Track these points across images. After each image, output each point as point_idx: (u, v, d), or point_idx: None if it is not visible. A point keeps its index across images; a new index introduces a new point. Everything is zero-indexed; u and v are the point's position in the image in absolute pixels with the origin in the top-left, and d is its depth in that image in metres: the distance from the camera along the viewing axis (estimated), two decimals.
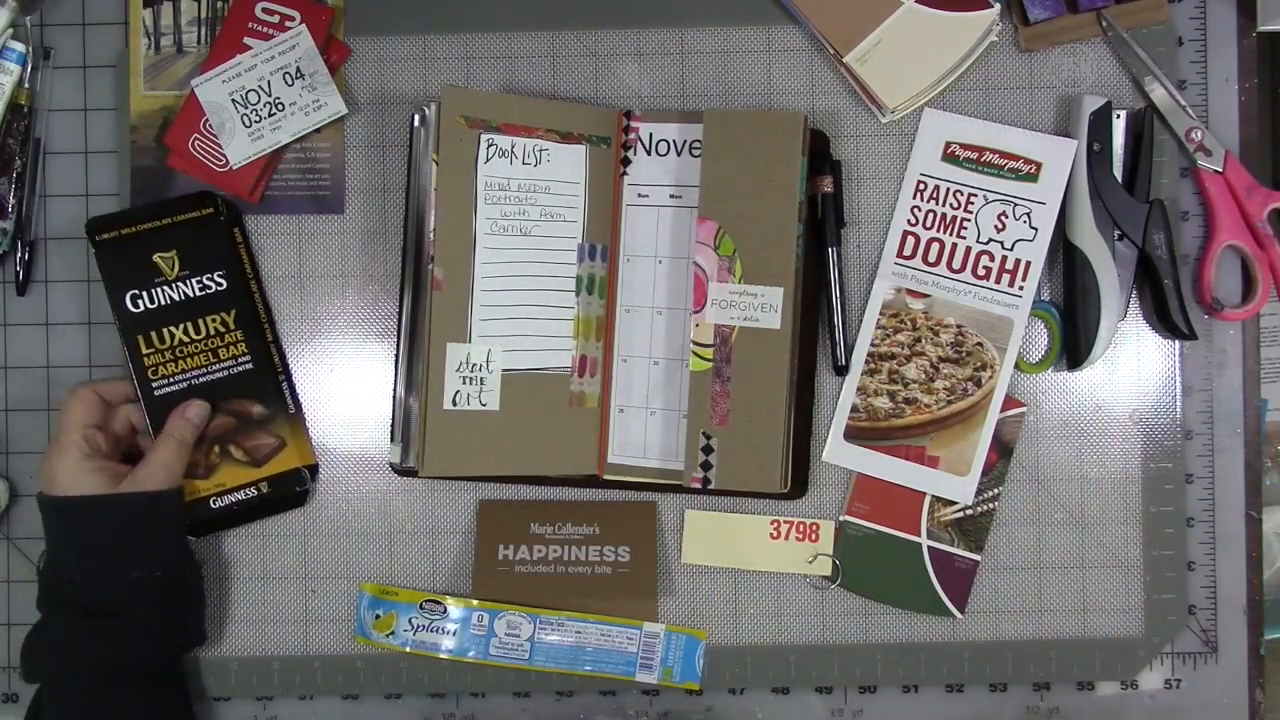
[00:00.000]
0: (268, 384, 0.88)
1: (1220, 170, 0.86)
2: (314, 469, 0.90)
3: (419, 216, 0.88)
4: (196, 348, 0.87)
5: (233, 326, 0.88)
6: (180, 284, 0.87)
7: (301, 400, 0.90)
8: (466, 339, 0.85)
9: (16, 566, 0.91)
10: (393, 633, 0.88)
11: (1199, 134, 0.86)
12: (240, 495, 0.88)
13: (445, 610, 0.88)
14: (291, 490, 0.88)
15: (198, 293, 0.87)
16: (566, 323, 0.88)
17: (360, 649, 0.90)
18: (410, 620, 0.88)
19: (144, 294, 0.87)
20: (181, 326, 0.87)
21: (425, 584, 0.90)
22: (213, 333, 0.88)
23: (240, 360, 0.88)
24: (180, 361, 0.87)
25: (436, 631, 0.88)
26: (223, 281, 0.88)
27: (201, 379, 0.88)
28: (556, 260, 0.88)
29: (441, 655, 0.88)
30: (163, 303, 0.87)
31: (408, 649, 0.88)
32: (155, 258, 0.87)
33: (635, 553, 0.89)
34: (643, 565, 0.89)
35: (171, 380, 0.87)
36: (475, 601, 0.88)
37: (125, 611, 0.81)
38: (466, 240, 0.85)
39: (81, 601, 0.81)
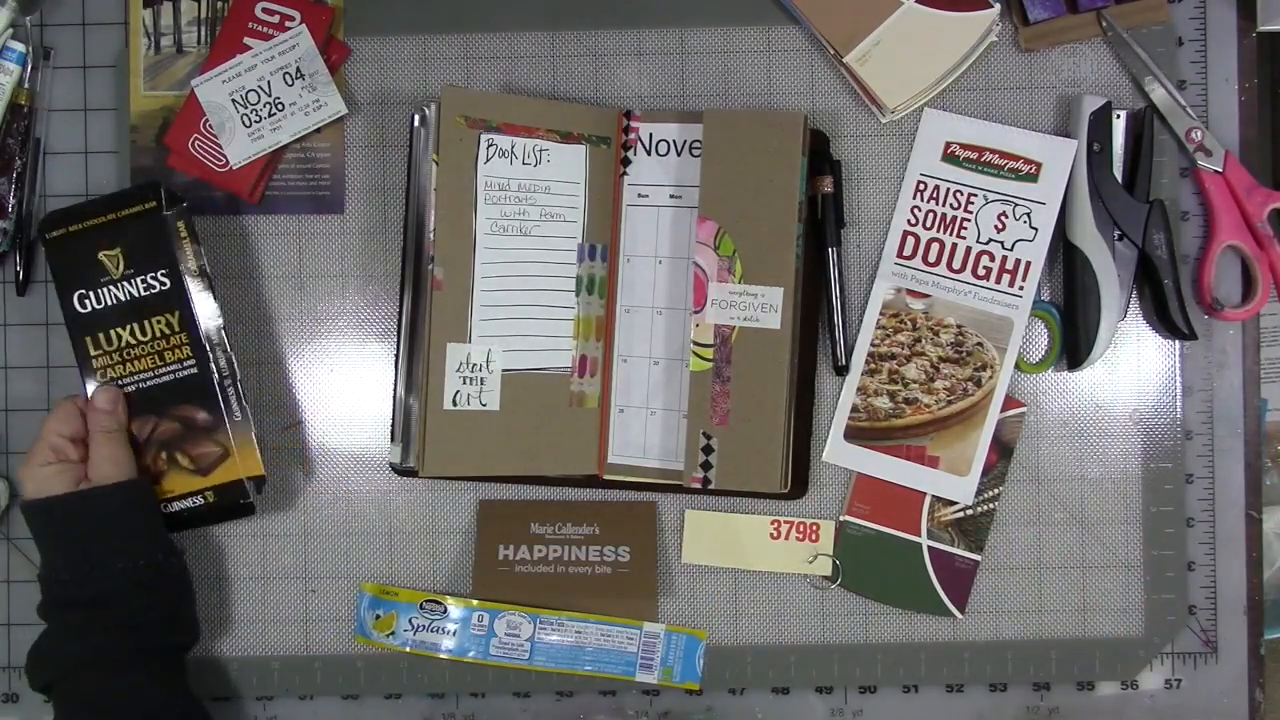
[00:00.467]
0: (211, 389, 0.85)
1: (1220, 170, 0.86)
2: (259, 481, 0.86)
3: (419, 216, 0.88)
4: (143, 350, 0.85)
5: (177, 329, 0.85)
6: (125, 283, 0.85)
7: (249, 409, 0.86)
8: (466, 339, 0.85)
9: (16, 566, 0.91)
10: (393, 633, 0.88)
11: (1199, 134, 0.86)
12: (188, 503, 0.86)
13: (445, 610, 0.88)
14: (237, 504, 0.86)
15: (142, 292, 0.85)
16: (566, 323, 0.88)
17: (360, 649, 0.90)
18: (410, 620, 0.88)
19: (91, 294, 0.85)
20: (128, 328, 0.85)
21: (425, 584, 0.90)
22: (158, 334, 0.85)
23: (185, 364, 0.85)
24: (128, 364, 0.85)
25: (437, 631, 0.88)
26: (166, 280, 0.85)
27: (148, 382, 0.85)
28: (556, 260, 0.88)
29: (441, 655, 0.88)
30: (109, 303, 0.85)
31: (408, 649, 0.88)
32: (100, 255, 0.85)
33: (635, 553, 0.89)
34: (643, 565, 0.89)
35: (119, 383, 0.85)
36: (475, 602, 0.88)
37: (115, 603, 0.81)
38: (466, 240, 0.85)
39: (74, 599, 0.82)
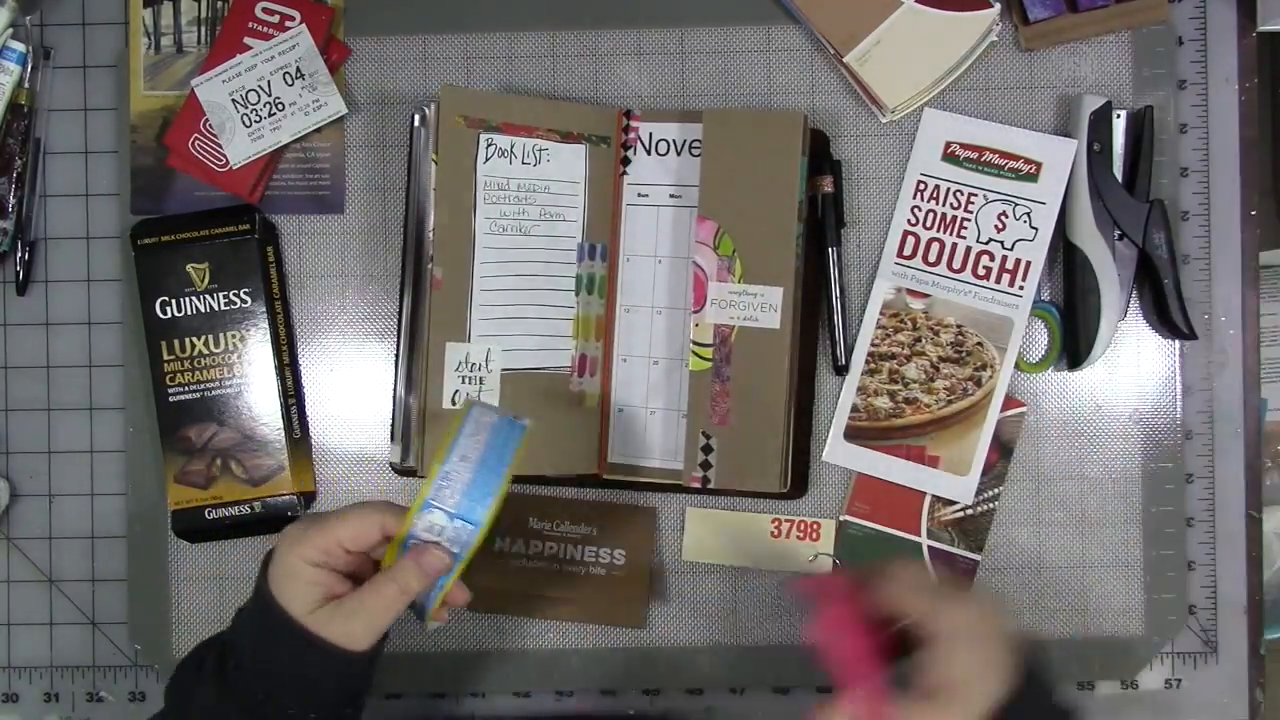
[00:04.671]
0: (276, 406, 0.89)
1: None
2: (310, 496, 0.90)
3: (419, 216, 0.88)
4: (214, 360, 0.88)
5: (251, 344, 0.88)
6: (208, 296, 0.88)
7: (310, 426, 0.91)
8: (466, 338, 0.85)
9: (16, 566, 0.91)
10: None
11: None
12: (234, 510, 0.89)
13: None
14: (284, 514, 0.89)
15: (222, 306, 0.88)
16: (566, 322, 0.88)
17: None
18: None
19: (173, 301, 0.88)
20: (203, 338, 0.88)
21: None
22: (231, 348, 0.88)
23: (252, 379, 0.89)
24: (197, 372, 0.88)
25: None
26: (248, 299, 0.88)
27: (214, 392, 0.88)
28: (556, 260, 0.88)
29: None
30: (189, 312, 0.88)
31: None
32: (188, 267, 0.88)
33: (630, 557, 0.89)
34: (636, 569, 0.89)
35: (186, 389, 0.88)
36: None
37: None
38: (466, 240, 0.85)
39: (232, 687, 0.72)
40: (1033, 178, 0.87)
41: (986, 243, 0.87)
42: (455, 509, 0.70)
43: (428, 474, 0.70)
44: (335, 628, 0.69)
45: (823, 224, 0.88)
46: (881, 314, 0.88)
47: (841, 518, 0.89)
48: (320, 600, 0.69)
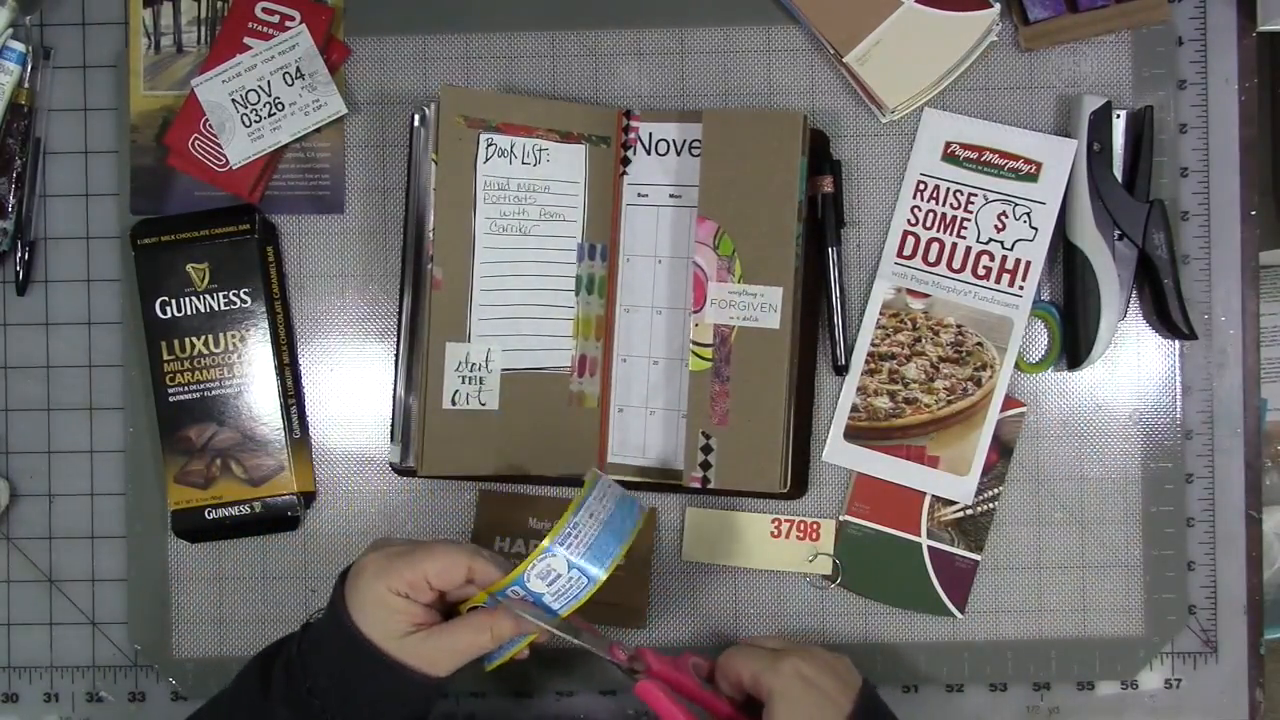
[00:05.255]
0: (276, 406, 0.89)
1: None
2: (309, 496, 0.90)
3: (419, 216, 0.88)
4: (214, 360, 0.88)
5: (251, 344, 0.88)
6: (207, 296, 0.88)
7: (310, 426, 0.91)
8: (466, 338, 0.85)
9: (16, 566, 0.91)
10: None
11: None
12: (234, 511, 0.89)
13: None
14: (284, 514, 0.89)
15: (222, 306, 0.88)
16: (566, 322, 0.88)
17: None
18: None
19: (173, 301, 0.88)
20: (203, 338, 0.88)
21: None
22: (230, 348, 0.88)
23: (252, 379, 0.89)
24: (197, 372, 0.88)
25: None
26: (248, 299, 0.88)
27: (214, 392, 0.88)
28: (556, 260, 0.88)
29: None
30: (189, 312, 0.88)
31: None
32: (188, 267, 0.88)
33: (631, 557, 0.89)
34: (636, 571, 0.89)
35: (186, 389, 0.88)
36: None
37: None
38: (466, 240, 0.85)
39: (305, 708, 0.73)
40: (1033, 178, 0.87)
41: (986, 243, 0.87)
42: (577, 559, 0.72)
43: (557, 522, 0.72)
44: (422, 655, 0.72)
45: (823, 224, 0.88)
46: (881, 314, 0.88)
47: (841, 518, 0.89)
48: (406, 628, 0.72)
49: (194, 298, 0.89)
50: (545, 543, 0.72)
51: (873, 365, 0.88)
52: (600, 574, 0.72)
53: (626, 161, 0.88)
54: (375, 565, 0.73)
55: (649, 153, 0.88)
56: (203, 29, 0.90)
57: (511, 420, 0.86)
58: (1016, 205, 0.87)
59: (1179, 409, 0.89)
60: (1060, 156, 0.87)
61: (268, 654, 0.78)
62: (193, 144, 0.89)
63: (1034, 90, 0.89)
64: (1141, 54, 0.89)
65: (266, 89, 0.88)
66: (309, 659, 0.74)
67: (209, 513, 0.88)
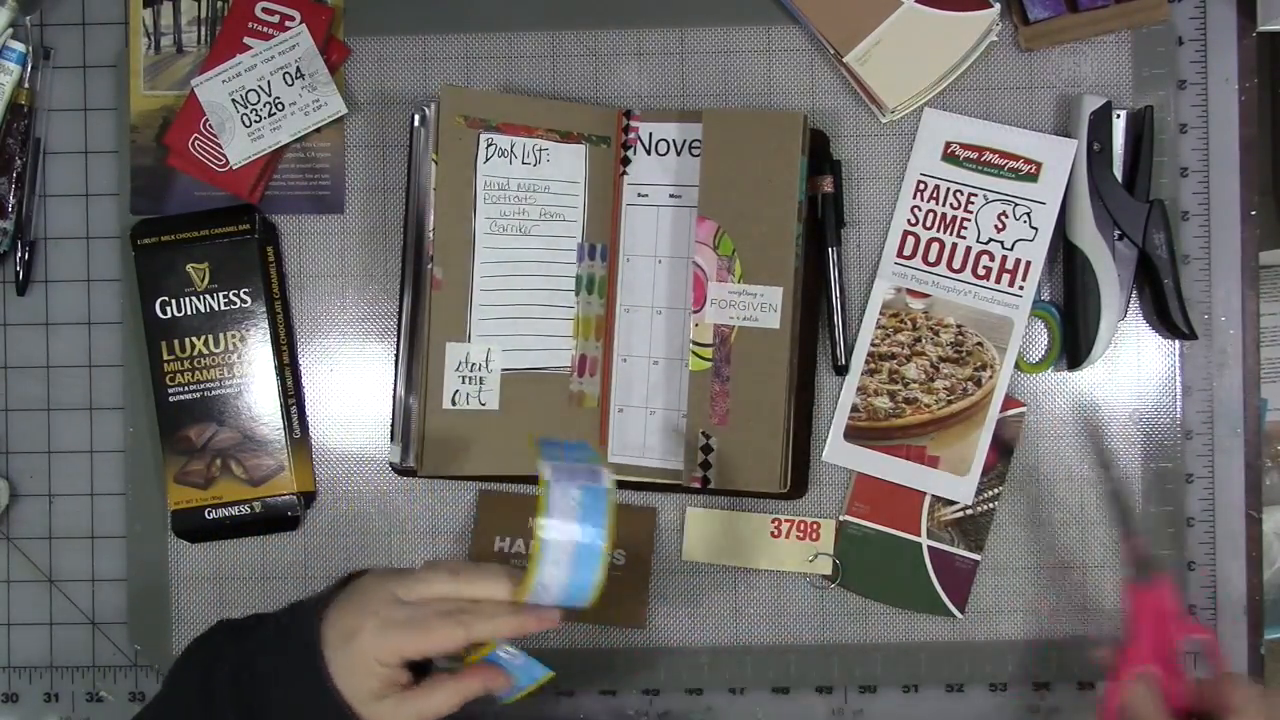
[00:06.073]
0: (276, 406, 0.89)
1: (1149, 588, 0.78)
2: (309, 496, 0.90)
3: (419, 216, 0.88)
4: (214, 360, 0.88)
5: (251, 344, 0.88)
6: (207, 296, 0.88)
7: (310, 426, 0.91)
8: (466, 338, 0.85)
9: (16, 566, 0.91)
10: None
11: (1139, 544, 0.81)
12: (234, 510, 0.89)
13: None
14: (284, 514, 0.89)
15: (222, 306, 0.88)
16: (566, 322, 0.88)
17: None
18: None
19: (173, 301, 0.88)
20: (203, 338, 0.88)
21: None
22: (230, 348, 0.88)
23: (252, 379, 0.89)
24: (197, 372, 0.88)
25: None
26: (248, 299, 0.88)
27: (214, 392, 0.88)
28: (556, 260, 0.88)
29: None
30: (189, 312, 0.88)
31: None
32: (188, 267, 0.88)
33: (631, 557, 0.89)
34: (637, 570, 0.89)
35: (186, 389, 0.88)
36: None
37: None
38: (466, 240, 0.85)
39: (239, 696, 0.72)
40: (1033, 178, 0.87)
41: (986, 243, 0.87)
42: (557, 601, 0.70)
43: (521, 585, 0.69)
44: (387, 715, 0.69)
45: (823, 224, 0.88)
46: (881, 314, 0.88)
47: (841, 518, 0.89)
48: (383, 693, 0.69)
49: (194, 298, 0.89)
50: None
51: (873, 365, 0.88)
52: (587, 601, 0.70)
53: (626, 161, 0.88)
54: (374, 630, 0.69)
55: (649, 153, 0.88)
56: (203, 29, 0.90)
57: (511, 420, 0.87)
58: (1016, 205, 0.87)
59: (1179, 409, 0.89)
60: (1060, 156, 0.87)
61: (205, 664, 0.74)
62: (193, 144, 0.89)
63: (1034, 90, 0.89)
64: (1141, 54, 0.89)
65: (266, 89, 0.88)
66: (267, 690, 0.71)
67: (209, 513, 0.88)
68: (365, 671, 0.69)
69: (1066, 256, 0.87)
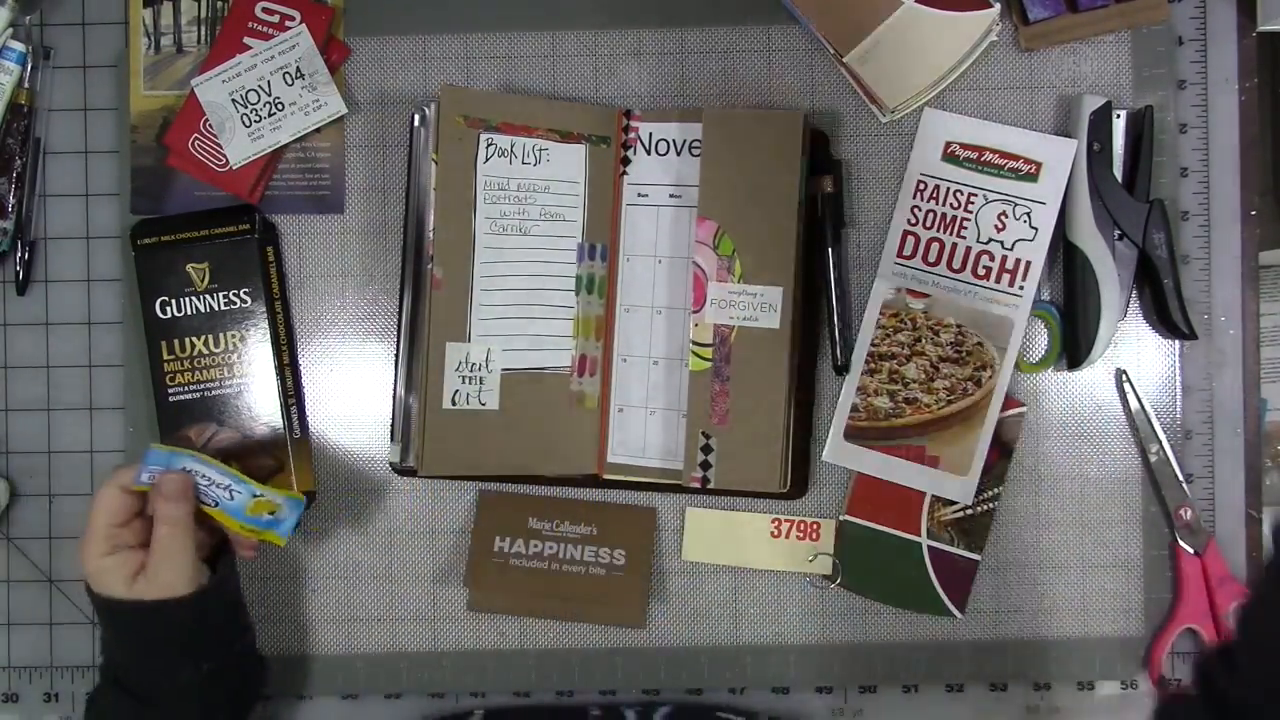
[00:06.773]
0: (276, 406, 0.88)
1: (1200, 554, 0.87)
2: (311, 496, 0.90)
3: (419, 216, 0.88)
4: (214, 360, 0.88)
5: (251, 344, 0.88)
6: (207, 296, 0.88)
7: (310, 425, 0.91)
8: (466, 338, 0.85)
9: (16, 566, 0.91)
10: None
11: (1188, 513, 0.86)
12: None
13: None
14: None
15: (222, 306, 0.88)
16: (566, 322, 0.88)
17: (361, 649, 0.90)
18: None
19: (173, 301, 0.88)
20: (203, 338, 0.88)
21: (425, 582, 0.90)
22: (231, 348, 0.88)
23: (252, 379, 0.88)
24: (197, 372, 0.88)
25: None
26: (248, 299, 0.88)
27: (214, 392, 0.88)
28: (556, 260, 0.88)
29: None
30: (189, 312, 0.88)
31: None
32: (188, 267, 0.88)
33: (631, 557, 0.89)
34: (637, 570, 0.89)
35: (186, 389, 0.88)
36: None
37: (173, 707, 0.77)
38: (466, 240, 0.85)
39: (132, 691, 0.77)
40: (1033, 178, 0.87)
41: (986, 243, 0.87)
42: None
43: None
44: (154, 588, 0.74)
45: (823, 224, 0.88)
46: (881, 314, 0.88)
47: (841, 518, 0.89)
48: (134, 574, 0.75)
49: (194, 298, 0.89)
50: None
51: (873, 365, 0.88)
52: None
53: (626, 161, 0.88)
54: (80, 554, 0.75)
55: (649, 152, 0.88)
56: (203, 29, 0.90)
57: (511, 420, 0.87)
58: (1016, 205, 0.87)
59: (1179, 409, 0.89)
60: (1060, 156, 0.87)
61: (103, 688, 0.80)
62: (193, 144, 0.89)
63: (1034, 90, 0.89)
64: (1141, 54, 0.89)
65: (266, 89, 0.88)
66: (115, 658, 0.78)
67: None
68: (105, 571, 0.75)
69: (1066, 256, 0.87)
